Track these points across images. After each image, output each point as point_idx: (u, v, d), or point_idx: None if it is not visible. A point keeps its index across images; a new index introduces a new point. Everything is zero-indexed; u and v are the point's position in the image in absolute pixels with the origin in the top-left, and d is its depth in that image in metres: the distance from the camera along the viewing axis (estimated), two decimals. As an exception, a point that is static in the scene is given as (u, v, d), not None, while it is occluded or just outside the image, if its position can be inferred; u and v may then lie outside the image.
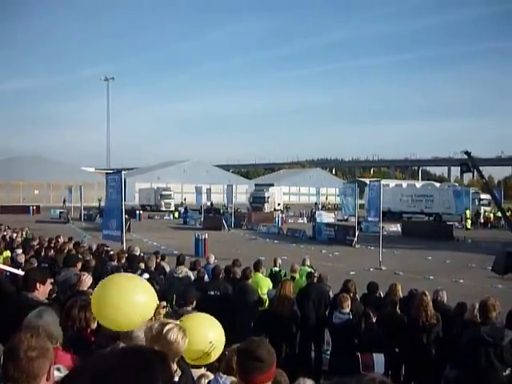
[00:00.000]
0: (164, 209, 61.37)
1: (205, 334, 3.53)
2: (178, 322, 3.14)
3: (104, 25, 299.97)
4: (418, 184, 59.92)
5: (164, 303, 3.50)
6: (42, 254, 12.56)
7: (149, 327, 2.99)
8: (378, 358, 6.09)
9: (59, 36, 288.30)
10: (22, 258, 10.56)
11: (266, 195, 56.57)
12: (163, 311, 3.43)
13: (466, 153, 17.77)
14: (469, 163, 18.54)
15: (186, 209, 51.73)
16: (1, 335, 3.15)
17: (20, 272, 6.12)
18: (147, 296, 3.23)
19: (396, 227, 36.32)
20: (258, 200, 56.48)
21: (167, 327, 2.99)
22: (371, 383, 1.73)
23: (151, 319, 3.24)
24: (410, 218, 44.13)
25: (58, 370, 2.73)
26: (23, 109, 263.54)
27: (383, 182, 25.40)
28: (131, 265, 10.11)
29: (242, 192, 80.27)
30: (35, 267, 8.21)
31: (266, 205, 54.83)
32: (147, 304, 3.20)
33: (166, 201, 63.94)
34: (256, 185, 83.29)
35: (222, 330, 3.72)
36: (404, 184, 57.81)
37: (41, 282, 4.84)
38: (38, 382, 2.27)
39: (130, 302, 3.13)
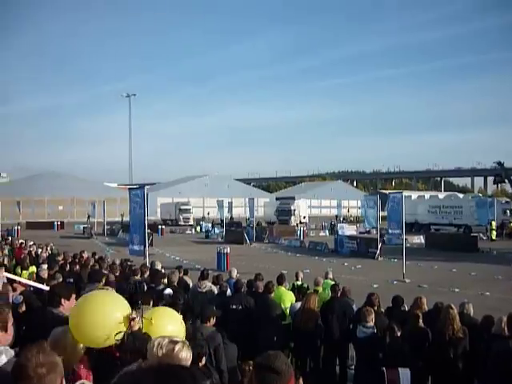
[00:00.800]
0: (182, 223, 61.57)
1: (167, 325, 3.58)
2: (184, 340, 3.14)
3: (125, 41, 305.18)
4: (441, 195, 59.19)
5: (134, 315, 3.49)
6: (67, 269, 12.69)
7: (157, 345, 2.97)
8: (404, 373, 5.98)
9: (81, 53, 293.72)
10: (45, 274, 10.67)
11: (292, 208, 56.52)
12: (137, 322, 3.42)
13: (499, 163, 17.60)
14: (502, 174, 18.37)
15: (212, 224, 51.36)
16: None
17: (45, 287, 6.20)
18: (121, 312, 3.29)
19: (419, 239, 35.90)
20: (283, 213, 56.47)
21: (178, 346, 2.98)
22: None
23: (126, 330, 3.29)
24: (438, 230, 43.60)
25: (83, 385, 2.75)
26: (47, 126, 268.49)
27: (405, 193, 25.16)
28: (153, 279, 10.15)
29: (262, 205, 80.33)
30: (60, 283, 8.31)
31: (292, 218, 54.77)
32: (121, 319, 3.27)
33: (185, 215, 64.06)
34: (277, 198, 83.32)
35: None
36: (426, 195, 57.12)
37: (65, 298, 4.89)
38: None
39: (110, 319, 3.17)
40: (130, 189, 15.48)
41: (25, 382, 2.22)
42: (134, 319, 3.36)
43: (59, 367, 2.34)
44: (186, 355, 2.99)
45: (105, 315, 3.22)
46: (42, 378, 2.22)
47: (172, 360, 2.88)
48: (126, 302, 3.48)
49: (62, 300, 4.86)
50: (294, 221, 53.93)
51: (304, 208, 60.62)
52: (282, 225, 50.88)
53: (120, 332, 3.26)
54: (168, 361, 2.85)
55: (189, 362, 3.03)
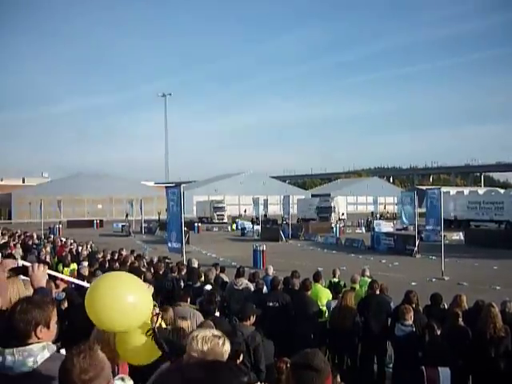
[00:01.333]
0: (216, 221, 62.05)
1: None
2: (222, 333, 3.15)
3: (163, 41, 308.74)
4: (481, 190, 57.71)
5: (157, 310, 3.48)
6: (107, 266, 12.95)
7: (201, 339, 2.98)
8: (444, 373, 5.88)
9: (119, 53, 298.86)
10: (86, 271, 10.93)
11: (333, 205, 56.20)
12: (159, 319, 3.41)
13: None
14: None
15: (252, 222, 49.45)
16: (69, 344, 3.29)
17: (86, 284, 6.34)
18: (139, 298, 3.17)
19: (458, 236, 35.18)
20: (324, 210, 56.23)
21: (221, 340, 3.02)
22: None
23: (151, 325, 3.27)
24: (478, 226, 42.61)
25: (122, 380, 2.79)
26: (86, 126, 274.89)
27: (443, 189, 24.60)
28: (190, 277, 10.26)
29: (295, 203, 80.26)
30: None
31: (332, 215, 54.48)
32: (139, 306, 3.15)
33: (219, 213, 64.60)
34: (313, 195, 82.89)
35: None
36: (466, 191, 55.80)
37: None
38: None
39: (122, 304, 3.06)
40: (166, 187, 15.66)
41: None
42: (158, 315, 3.40)
43: (105, 372, 2.33)
44: (228, 348, 3.03)
45: (114, 298, 3.14)
46: (85, 383, 2.23)
47: (216, 353, 2.92)
48: (141, 284, 3.42)
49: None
50: (334, 217, 53.64)
51: (342, 205, 60.21)
52: (322, 222, 50.59)
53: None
54: (213, 354, 2.89)
55: (228, 354, 3.07)
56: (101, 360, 2.35)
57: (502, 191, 51.92)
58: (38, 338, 2.70)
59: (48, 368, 2.61)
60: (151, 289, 5.61)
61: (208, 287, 8.97)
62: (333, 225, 44.91)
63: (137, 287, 3.28)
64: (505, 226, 41.54)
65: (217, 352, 2.94)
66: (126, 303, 3.06)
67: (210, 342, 2.96)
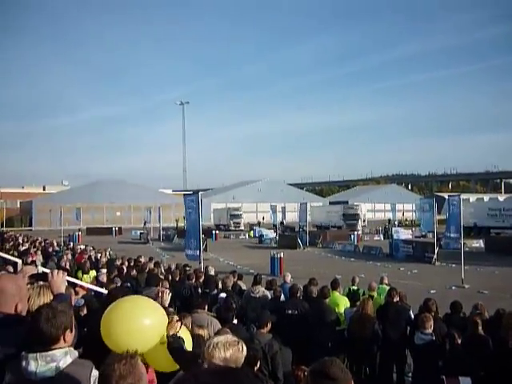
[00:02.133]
0: (233, 228, 62.16)
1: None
2: (238, 338, 3.17)
3: (178, 49, 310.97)
4: (502, 197, 56.97)
5: (176, 317, 3.51)
6: (125, 273, 13.04)
7: (223, 345, 2.98)
8: (465, 382, 5.80)
9: (136, 63, 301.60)
10: (105, 278, 11.03)
11: (359, 212, 56.12)
12: (178, 324, 3.44)
13: None
14: None
15: (276, 227, 46.23)
16: (89, 350, 3.32)
17: (104, 291, 6.40)
18: (153, 317, 3.24)
19: (478, 243, 34.73)
20: (350, 217, 56.22)
21: (240, 345, 3.03)
22: None
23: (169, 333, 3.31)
24: (498, 234, 42.06)
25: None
26: (106, 135, 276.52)
27: (463, 196, 24.35)
28: (207, 284, 10.27)
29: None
30: (118, 286, 8.56)
31: (359, 222, 54.42)
32: (155, 325, 3.22)
33: (235, 220, 64.82)
34: (330, 202, 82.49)
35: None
36: (486, 198, 55.16)
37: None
38: None
39: (139, 327, 3.14)
40: (184, 195, 15.72)
41: None
42: (178, 321, 3.43)
43: (143, 381, 2.38)
44: (245, 353, 3.05)
45: (131, 323, 3.22)
46: None
47: (237, 358, 2.94)
48: (155, 306, 3.48)
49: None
50: (360, 225, 53.63)
51: (364, 212, 60.16)
52: (349, 228, 50.69)
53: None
54: (234, 360, 2.92)
55: (243, 361, 3.08)
56: (140, 369, 2.41)
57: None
58: (65, 342, 2.74)
59: (70, 373, 2.64)
60: (169, 294, 5.64)
61: (223, 295, 8.97)
62: (359, 232, 44.70)
63: (151, 310, 3.35)
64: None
65: (238, 357, 2.95)
66: (141, 327, 3.15)
67: (231, 348, 2.98)
